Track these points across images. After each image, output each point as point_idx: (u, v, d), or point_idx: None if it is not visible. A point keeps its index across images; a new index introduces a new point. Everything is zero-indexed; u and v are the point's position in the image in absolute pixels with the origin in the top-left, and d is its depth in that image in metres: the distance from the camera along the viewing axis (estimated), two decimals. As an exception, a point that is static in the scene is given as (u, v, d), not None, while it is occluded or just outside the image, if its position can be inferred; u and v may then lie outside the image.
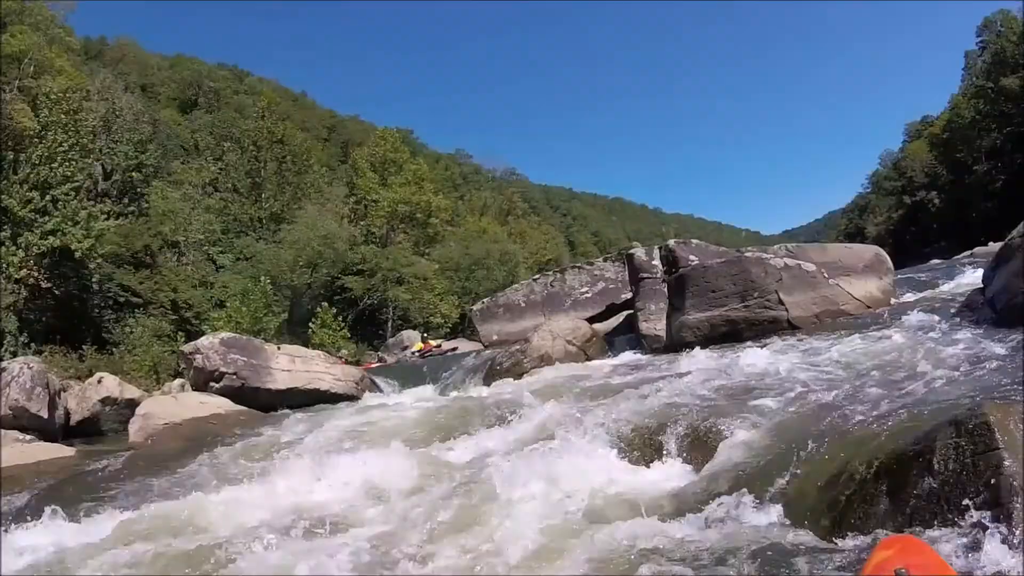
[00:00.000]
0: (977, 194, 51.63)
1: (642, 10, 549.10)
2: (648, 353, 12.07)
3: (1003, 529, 2.75)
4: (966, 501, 2.91)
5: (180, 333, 23.01)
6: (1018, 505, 2.76)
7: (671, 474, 4.73)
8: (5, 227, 19.39)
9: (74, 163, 20.59)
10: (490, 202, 69.31)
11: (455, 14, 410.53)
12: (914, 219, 64.06)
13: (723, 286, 11.60)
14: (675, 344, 11.78)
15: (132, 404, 12.42)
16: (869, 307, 11.10)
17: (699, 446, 4.80)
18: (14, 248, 18.97)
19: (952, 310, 7.95)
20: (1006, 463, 2.88)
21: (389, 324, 35.94)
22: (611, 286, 16.75)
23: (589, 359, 12.60)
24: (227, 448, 7.89)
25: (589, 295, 17.07)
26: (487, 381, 12.37)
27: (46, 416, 11.30)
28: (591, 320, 16.60)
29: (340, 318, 30.89)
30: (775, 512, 3.67)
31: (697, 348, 10.33)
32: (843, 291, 11.17)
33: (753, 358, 7.61)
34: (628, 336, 13.72)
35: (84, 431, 12.41)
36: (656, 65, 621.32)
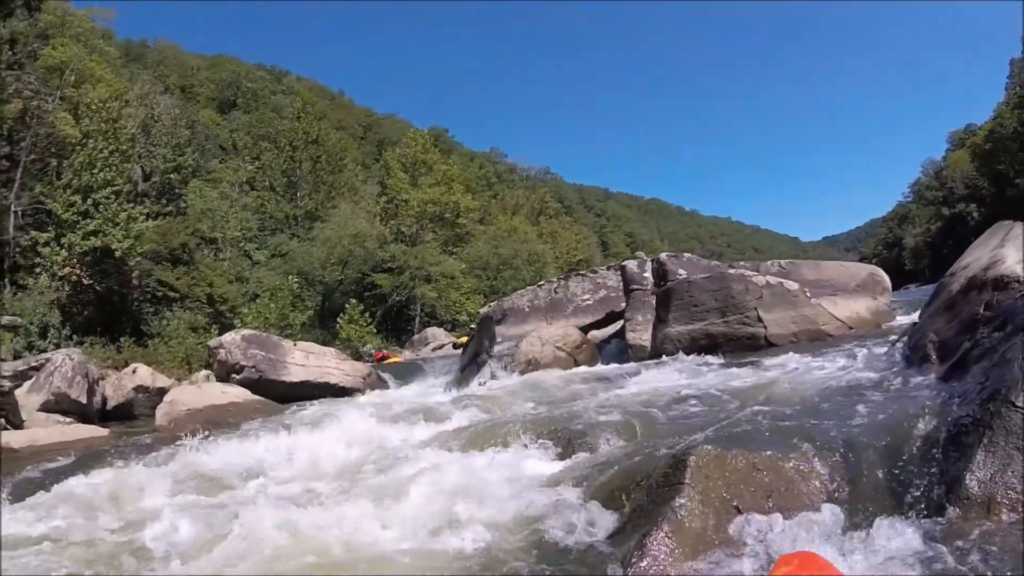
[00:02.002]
0: (1017, 208, 49.90)
1: (686, 9, 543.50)
2: (633, 362, 12.63)
3: (656, 541, 3.51)
4: (655, 520, 3.69)
5: (215, 326, 24.28)
6: (667, 527, 3.55)
7: (541, 466, 5.47)
8: (49, 228, 20.86)
9: (114, 168, 21.85)
10: (523, 201, 69.97)
11: (495, 14, 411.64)
12: (952, 231, 62.73)
13: (705, 301, 11.93)
14: (658, 355, 12.29)
15: (162, 392, 13.61)
16: (852, 328, 11.03)
17: (573, 446, 5.63)
18: (58, 248, 20.35)
19: (891, 342, 8.37)
20: (681, 497, 3.72)
21: (416, 321, 37.03)
22: (612, 294, 17.09)
23: (578, 365, 13.16)
24: (232, 430, 9.07)
25: (591, 302, 17.56)
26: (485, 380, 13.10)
27: (85, 401, 12.50)
28: (592, 326, 17.25)
29: (368, 314, 32.04)
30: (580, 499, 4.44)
31: (665, 360, 11.02)
32: (824, 311, 11.17)
33: (689, 376, 8.55)
34: (619, 344, 14.33)
35: (119, 415, 13.56)
36: (697, 68, 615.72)
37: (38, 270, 20.47)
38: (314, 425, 8.20)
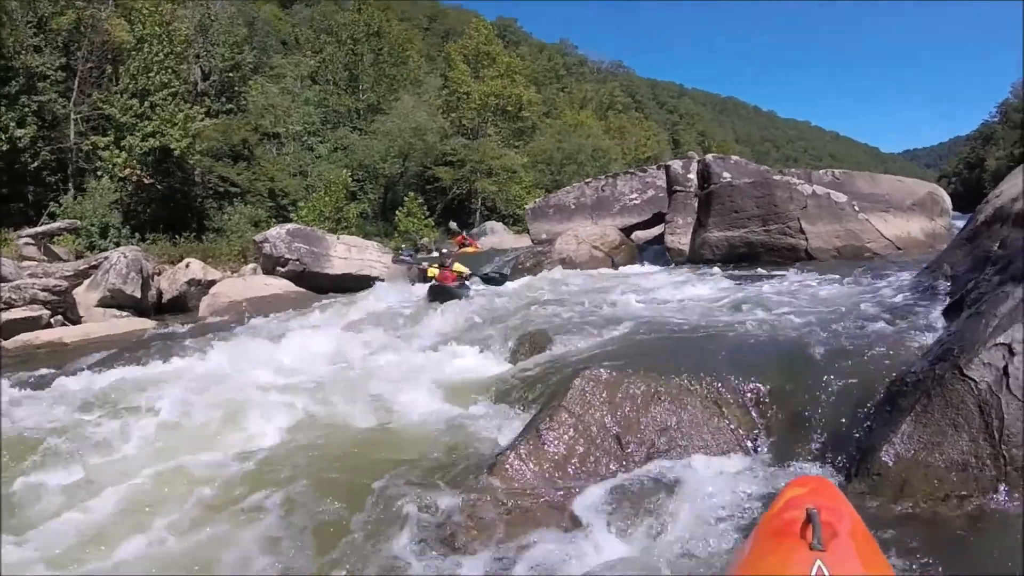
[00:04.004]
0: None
1: None
2: (669, 266, 12.40)
3: (508, 461, 3.42)
4: (518, 439, 3.61)
5: (275, 219, 25.03)
6: (524, 449, 3.42)
7: (489, 367, 5.56)
8: (109, 133, 21.64)
9: (170, 71, 22.34)
10: (591, 95, 67.98)
11: None
12: (1035, 157, 58.27)
13: (747, 207, 11.10)
14: (696, 260, 12.00)
15: (212, 284, 14.36)
16: (900, 249, 10.67)
17: (534, 349, 5.63)
18: (117, 151, 21.11)
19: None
20: (552, 419, 3.54)
21: (477, 214, 37.30)
22: (661, 194, 16.48)
23: (615, 266, 13.00)
24: (265, 321, 9.63)
25: (638, 202, 17.15)
26: (512, 276, 13.10)
27: (139, 296, 13.25)
28: (638, 226, 17.00)
29: (428, 207, 32.41)
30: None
31: (686, 267, 10.91)
32: (872, 228, 10.85)
33: (695, 285, 8.49)
34: (659, 247, 14.09)
35: (173, 307, 14.43)
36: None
37: (100, 173, 21.34)
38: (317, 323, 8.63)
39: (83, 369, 7.07)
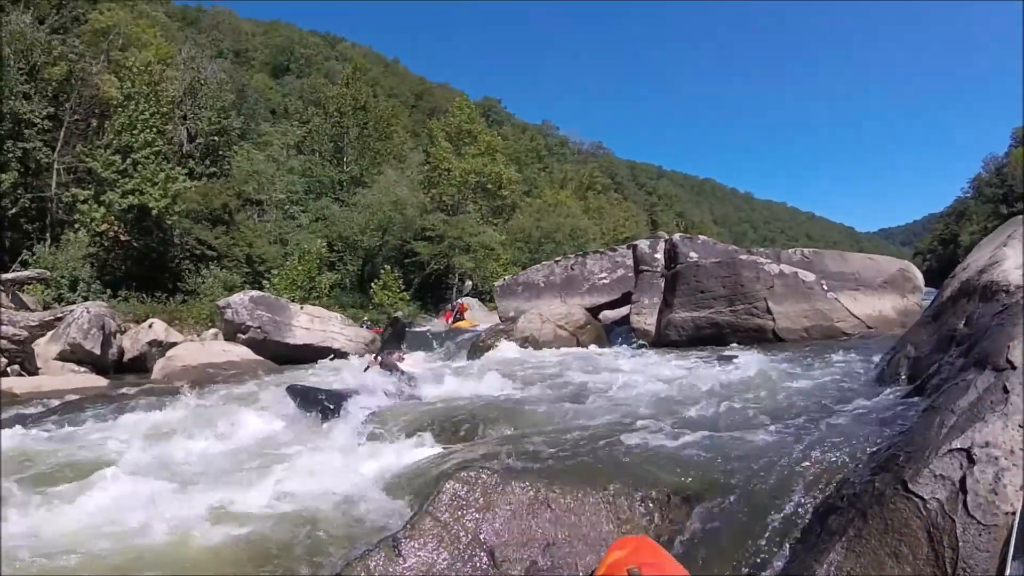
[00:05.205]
0: (1079, 209, 47.94)
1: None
2: (633, 347, 11.97)
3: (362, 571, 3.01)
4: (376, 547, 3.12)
5: (250, 285, 24.92)
6: (378, 559, 2.95)
7: (381, 462, 5.12)
8: (89, 186, 21.85)
9: (154, 130, 22.68)
10: (571, 175, 69.37)
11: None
12: (1009, 231, 60.21)
13: (713, 287, 11.01)
14: (661, 340, 11.73)
15: (174, 346, 14.13)
16: (871, 328, 10.42)
17: (440, 441, 5.46)
18: (96, 206, 21.29)
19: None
20: (418, 527, 3.10)
21: (454, 289, 37.35)
22: (630, 274, 16.48)
23: (580, 345, 12.90)
24: (207, 391, 9.64)
25: (607, 281, 17.15)
26: (472, 354, 13.01)
27: (99, 353, 13.15)
28: (607, 306, 17.01)
29: (405, 281, 32.42)
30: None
31: (630, 350, 10.92)
32: (841, 307, 10.63)
33: (648, 368, 8.39)
34: (627, 327, 14.02)
35: (134, 367, 14.37)
36: (758, 48, 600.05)
37: (77, 226, 21.33)
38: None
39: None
